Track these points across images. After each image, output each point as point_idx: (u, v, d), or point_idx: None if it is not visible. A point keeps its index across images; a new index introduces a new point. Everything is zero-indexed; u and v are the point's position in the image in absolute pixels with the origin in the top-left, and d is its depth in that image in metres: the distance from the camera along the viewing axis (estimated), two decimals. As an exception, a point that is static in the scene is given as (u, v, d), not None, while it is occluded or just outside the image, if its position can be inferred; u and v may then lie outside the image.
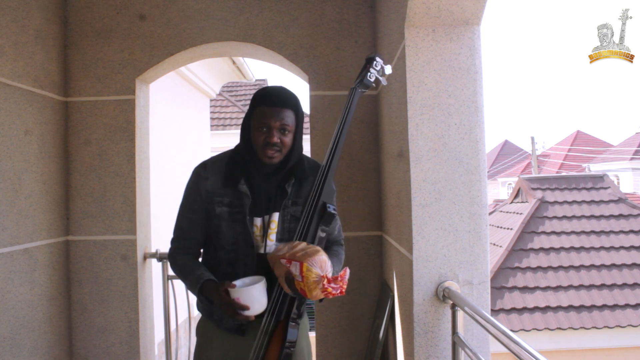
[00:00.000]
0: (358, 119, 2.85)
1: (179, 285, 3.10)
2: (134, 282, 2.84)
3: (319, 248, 1.54)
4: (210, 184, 1.69)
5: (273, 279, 1.62)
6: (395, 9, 2.21)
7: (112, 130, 2.86)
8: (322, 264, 1.48)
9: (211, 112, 7.30)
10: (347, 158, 2.85)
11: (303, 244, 1.55)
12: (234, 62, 5.33)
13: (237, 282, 1.58)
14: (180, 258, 1.73)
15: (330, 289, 1.46)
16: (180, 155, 4.94)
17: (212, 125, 8.41)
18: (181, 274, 1.71)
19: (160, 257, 2.93)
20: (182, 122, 5.28)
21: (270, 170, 1.67)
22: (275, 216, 1.69)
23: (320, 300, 1.66)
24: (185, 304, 3.14)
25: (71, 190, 2.87)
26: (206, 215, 1.70)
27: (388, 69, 1.82)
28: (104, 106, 2.87)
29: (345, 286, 1.49)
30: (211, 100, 6.70)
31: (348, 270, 1.52)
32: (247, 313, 1.53)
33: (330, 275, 1.49)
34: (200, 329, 1.80)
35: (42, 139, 2.66)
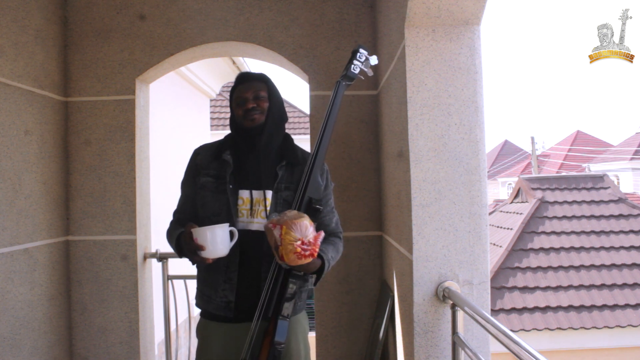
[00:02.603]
0: (358, 119, 2.85)
1: (179, 285, 3.10)
2: (134, 282, 2.84)
3: (305, 215, 1.57)
4: (200, 158, 1.81)
5: (257, 256, 1.68)
6: (395, 9, 2.21)
7: (112, 130, 2.86)
8: (303, 228, 1.50)
9: (211, 112, 7.31)
10: (347, 158, 2.85)
11: (294, 212, 1.58)
12: (234, 62, 5.33)
13: (204, 227, 1.64)
14: (174, 226, 1.83)
15: (299, 250, 1.49)
16: (180, 155, 4.94)
17: (212, 125, 8.42)
18: (169, 237, 1.81)
19: (160, 257, 2.93)
20: (182, 122, 5.29)
21: (254, 133, 1.74)
22: (269, 194, 1.72)
23: (293, 270, 1.63)
24: (185, 304, 3.14)
25: (71, 190, 2.87)
26: (196, 190, 1.79)
27: (373, 60, 1.84)
28: (104, 106, 2.87)
29: (317, 249, 1.53)
30: (211, 100, 6.70)
31: (323, 234, 1.56)
32: (202, 254, 1.59)
33: (310, 237, 1.51)
34: (200, 329, 1.81)
35: (42, 139, 2.66)
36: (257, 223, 1.70)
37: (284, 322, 1.61)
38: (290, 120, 12.86)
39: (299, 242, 1.49)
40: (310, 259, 1.53)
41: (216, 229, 1.60)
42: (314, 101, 2.86)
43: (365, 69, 1.82)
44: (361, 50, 1.81)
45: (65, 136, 2.87)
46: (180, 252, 1.72)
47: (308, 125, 2.95)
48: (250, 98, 1.76)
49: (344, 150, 2.85)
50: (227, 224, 1.63)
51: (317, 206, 1.69)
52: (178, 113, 5.13)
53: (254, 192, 1.71)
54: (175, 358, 3.24)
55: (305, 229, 1.51)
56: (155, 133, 3.50)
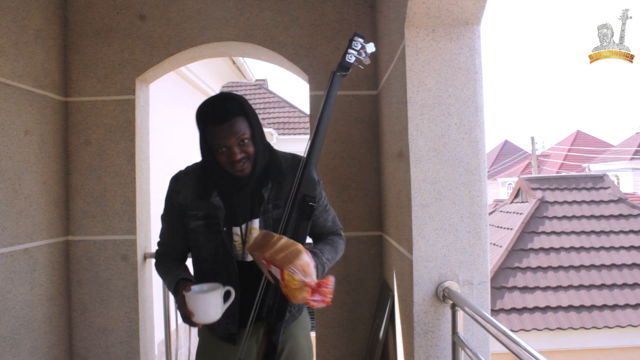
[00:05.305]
0: (358, 119, 2.85)
1: (179, 285, 3.10)
2: (134, 282, 2.84)
3: (300, 248, 1.43)
4: (183, 197, 1.65)
5: (252, 287, 1.59)
6: (395, 9, 2.21)
7: (112, 130, 2.86)
8: (304, 267, 1.40)
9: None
10: (347, 158, 2.85)
11: (283, 241, 1.44)
12: (234, 62, 5.33)
13: (195, 287, 1.56)
14: (163, 260, 1.74)
15: (314, 304, 1.40)
16: (180, 155, 4.94)
17: (212, 125, 8.39)
18: (162, 274, 1.72)
19: (160, 257, 2.93)
20: (182, 122, 5.28)
21: (244, 181, 1.61)
22: (255, 223, 1.63)
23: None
24: (185, 304, 3.14)
25: (71, 190, 2.87)
26: (184, 228, 1.68)
27: (370, 47, 1.72)
28: (104, 106, 2.87)
29: (330, 296, 1.42)
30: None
31: (332, 279, 1.44)
32: (193, 319, 1.50)
33: (314, 276, 1.42)
34: (201, 332, 1.80)
35: (42, 139, 2.66)
36: (248, 253, 1.64)
37: (280, 320, 1.60)
38: (290, 120, 12.87)
39: (309, 292, 1.40)
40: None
41: (208, 296, 1.50)
42: (314, 101, 2.85)
43: (362, 57, 1.72)
44: (356, 38, 1.70)
45: (65, 136, 2.87)
46: (174, 293, 1.63)
47: (308, 125, 2.95)
48: (234, 145, 1.52)
49: (344, 150, 2.85)
50: (221, 287, 1.53)
51: (312, 203, 1.61)
52: (178, 113, 5.13)
53: (244, 226, 1.64)
54: (175, 358, 3.24)
55: (307, 266, 1.40)
56: (155, 133, 3.50)
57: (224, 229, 1.61)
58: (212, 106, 1.55)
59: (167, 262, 1.72)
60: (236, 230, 1.64)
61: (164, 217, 1.73)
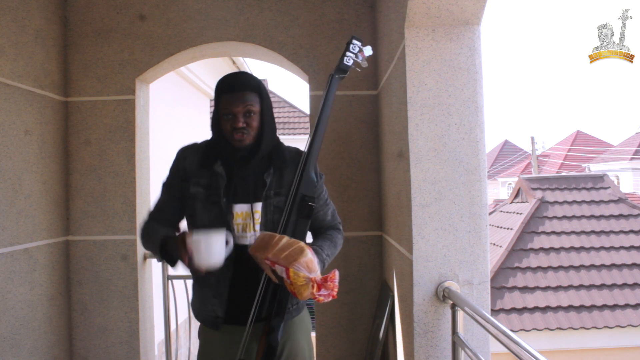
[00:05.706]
0: (358, 119, 2.86)
1: (179, 285, 3.10)
2: (134, 282, 2.84)
3: (302, 245, 1.47)
4: (188, 163, 1.70)
5: (250, 271, 1.59)
6: (395, 9, 2.21)
7: (112, 130, 2.86)
8: (308, 264, 1.43)
9: (211, 112, 7.35)
10: (347, 158, 2.85)
11: (285, 240, 1.48)
12: (234, 62, 5.33)
13: (199, 231, 1.55)
14: (150, 223, 1.74)
15: (321, 298, 1.43)
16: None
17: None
18: (147, 235, 1.71)
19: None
20: (182, 122, 5.29)
21: (244, 153, 1.65)
22: (258, 206, 1.65)
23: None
24: (185, 304, 3.14)
25: (71, 190, 2.87)
26: (182, 196, 1.70)
27: (368, 50, 1.76)
28: (104, 106, 2.87)
29: (336, 289, 1.44)
30: (211, 100, 6.71)
31: (337, 273, 1.46)
32: (196, 261, 1.49)
33: (318, 272, 1.45)
34: (201, 333, 1.80)
35: (42, 139, 2.66)
36: (250, 237, 1.65)
37: (279, 319, 1.60)
38: (290, 120, 12.87)
39: (315, 287, 1.42)
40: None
41: (213, 238, 1.49)
42: (314, 101, 2.86)
43: (359, 60, 1.75)
44: (354, 41, 1.74)
45: (65, 136, 2.87)
46: (164, 255, 1.63)
47: (308, 125, 2.96)
48: (240, 113, 1.60)
49: (344, 150, 2.85)
50: (224, 231, 1.54)
51: (311, 203, 1.64)
52: (178, 113, 5.13)
53: (245, 206, 1.66)
54: (175, 358, 3.24)
55: (311, 263, 1.44)
56: (155, 133, 3.50)
57: (224, 199, 1.63)
58: (231, 76, 1.67)
59: (156, 226, 1.71)
60: (235, 208, 1.66)
61: (165, 183, 1.76)
